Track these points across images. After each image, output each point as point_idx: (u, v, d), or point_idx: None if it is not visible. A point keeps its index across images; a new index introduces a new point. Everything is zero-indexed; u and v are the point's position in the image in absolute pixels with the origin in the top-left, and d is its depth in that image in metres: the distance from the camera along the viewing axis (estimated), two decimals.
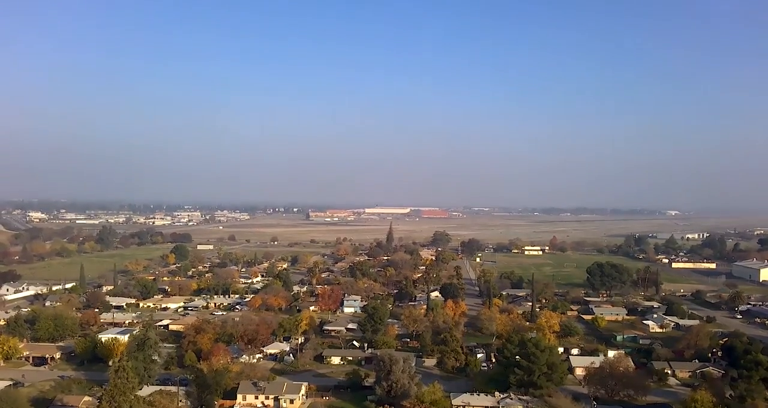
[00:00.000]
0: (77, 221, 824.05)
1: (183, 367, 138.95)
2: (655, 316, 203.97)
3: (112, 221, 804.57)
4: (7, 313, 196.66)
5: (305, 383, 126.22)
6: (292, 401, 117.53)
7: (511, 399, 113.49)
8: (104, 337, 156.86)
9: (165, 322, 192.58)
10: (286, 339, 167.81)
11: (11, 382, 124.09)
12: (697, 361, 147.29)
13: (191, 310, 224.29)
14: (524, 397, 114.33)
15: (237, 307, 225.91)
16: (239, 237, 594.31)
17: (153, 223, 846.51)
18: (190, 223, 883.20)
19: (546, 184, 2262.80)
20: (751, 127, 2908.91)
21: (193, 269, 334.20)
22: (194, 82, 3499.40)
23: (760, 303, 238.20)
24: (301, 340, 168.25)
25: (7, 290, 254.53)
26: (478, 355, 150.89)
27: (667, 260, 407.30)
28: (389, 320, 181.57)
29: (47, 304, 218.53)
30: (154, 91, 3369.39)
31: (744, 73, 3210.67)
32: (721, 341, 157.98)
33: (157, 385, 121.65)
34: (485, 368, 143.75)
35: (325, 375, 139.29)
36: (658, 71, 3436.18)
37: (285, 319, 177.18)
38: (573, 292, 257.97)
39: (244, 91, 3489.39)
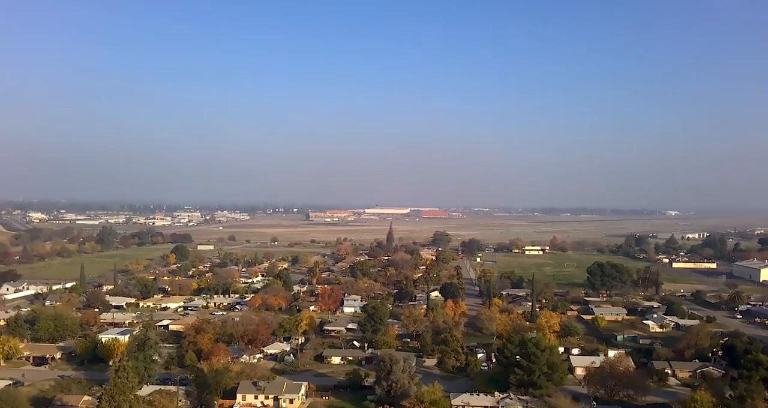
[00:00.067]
0: (77, 221, 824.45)
1: (183, 367, 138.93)
2: (655, 316, 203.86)
3: (112, 222, 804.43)
4: (7, 312, 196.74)
5: (305, 383, 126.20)
6: (291, 401, 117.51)
7: (511, 399, 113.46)
8: (104, 337, 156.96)
9: (165, 322, 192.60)
10: (287, 339, 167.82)
11: (11, 382, 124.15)
12: (697, 361, 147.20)
13: (191, 309, 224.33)
14: (524, 397, 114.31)
15: (237, 306, 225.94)
16: (239, 237, 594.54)
17: (153, 223, 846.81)
18: (190, 224, 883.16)
19: (546, 185, 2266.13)
20: (751, 127, 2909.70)
21: (193, 269, 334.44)
22: (194, 82, 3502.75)
23: (761, 303, 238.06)
24: (301, 340, 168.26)
25: (8, 290, 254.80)
26: (479, 355, 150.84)
27: (667, 260, 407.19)
28: (389, 320, 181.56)
29: (47, 303, 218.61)
30: (154, 91, 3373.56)
31: (744, 72, 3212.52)
32: (721, 341, 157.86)
33: (157, 384, 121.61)
34: (485, 368, 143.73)
35: (325, 375, 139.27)
36: (658, 71, 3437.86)
37: (285, 319, 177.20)
38: (573, 292, 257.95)
39: (244, 91, 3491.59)
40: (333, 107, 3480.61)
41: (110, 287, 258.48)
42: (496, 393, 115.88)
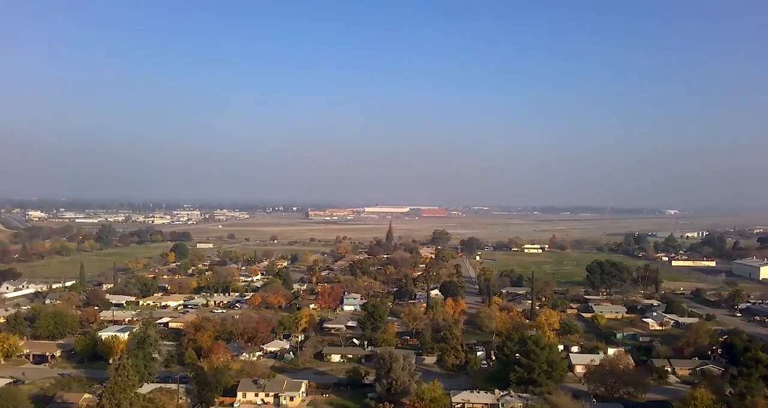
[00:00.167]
0: (77, 220, 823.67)
1: (183, 365, 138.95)
2: (654, 314, 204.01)
3: (112, 220, 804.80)
4: (7, 311, 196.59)
5: (305, 381, 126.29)
6: (292, 399, 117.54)
7: (511, 396, 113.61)
8: (104, 335, 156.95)
9: (165, 319, 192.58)
10: (286, 337, 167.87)
11: (11, 380, 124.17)
12: (696, 358, 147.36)
13: (191, 308, 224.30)
14: (524, 395, 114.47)
15: (237, 305, 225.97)
16: (239, 235, 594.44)
17: (152, 221, 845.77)
18: (190, 222, 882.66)
19: (545, 183, 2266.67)
20: (750, 126, 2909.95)
21: (193, 267, 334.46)
22: (194, 81, 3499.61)
23: (760, 301, 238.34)
24: (301, 337, 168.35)
25: (7, 288, 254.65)
26: (478, 353, 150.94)
27: (666, 258, 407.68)
28: (389, 318, 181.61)
29: (47, 302, 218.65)
30: (153, 90, 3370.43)
31: (744, 72, 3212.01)
32: (720, 339, 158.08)
33: (157, 382, 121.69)
34: (485, 366, 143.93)
35: (325, 373, 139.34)
36: (658, 71, 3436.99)
37: (285, 317, 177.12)
38: (573, 290, 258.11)
39: (243, 89, 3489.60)
40: (333, 106, 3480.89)
41: (110, 286, 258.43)
42: (496, 391, 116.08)
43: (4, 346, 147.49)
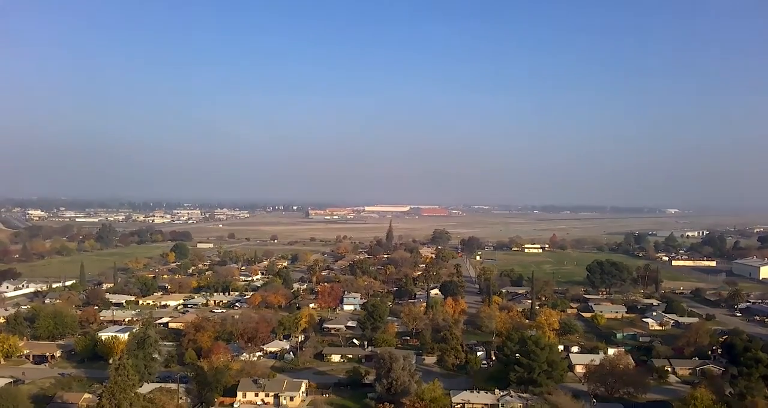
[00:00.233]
0: (77, 219, 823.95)
1: (183, 365, 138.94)
2: (654, 313, 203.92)
3: (112, 219, 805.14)
4: (6, 310, 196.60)
5: (305, 381, 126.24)
6: (292, 399, 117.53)
7: (511, 396, 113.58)
8: (104, 335, 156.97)
9: (165, 319, 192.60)
10: (286, 337, 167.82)
11: (11, 380, 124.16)
12: (696, 358, 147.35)
13: (191, 307, 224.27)
14: (524, 395, 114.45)
15: (237, 304, 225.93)
16: (239, 235, 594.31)
17: (153, 221, 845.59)
18: (190, 221, 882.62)
19: (546, 182, 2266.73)
20: (751, 125, 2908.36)
21: (193, 267, 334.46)
22: (194, 81, 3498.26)
23: (760, 301, 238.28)
24: (301, 337, 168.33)
25: (7, 288, 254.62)
26: (478, 353, 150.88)
27: (666, 258, 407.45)
28: (389, 318, 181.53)
29: (47, 301, 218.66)
30: (154, 90, 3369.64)
31: (744, 72, 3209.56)
32: (720, 339, 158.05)
33: (157, 382, 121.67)
34: (485, 366, 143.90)
35: (325, 373, 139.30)
36: (659, 70, 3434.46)
37: (285, 316, 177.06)
38: (573, 289, 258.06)
39: (243, 89, 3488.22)
40: (333, 106, 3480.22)
41: (110, 285, 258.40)
42: (496, 391, 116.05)
43: (4, 346, 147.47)
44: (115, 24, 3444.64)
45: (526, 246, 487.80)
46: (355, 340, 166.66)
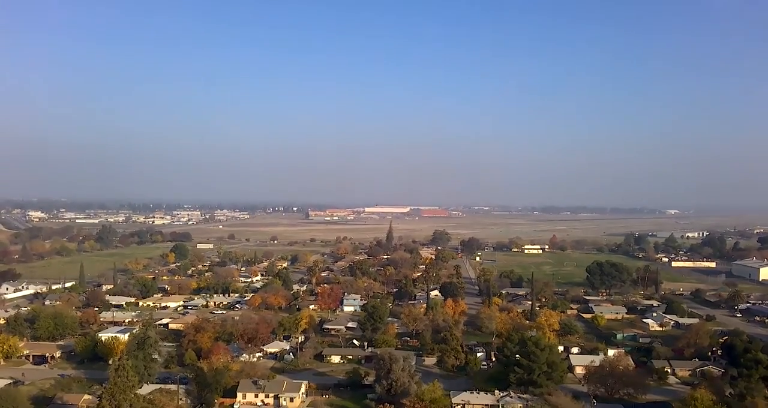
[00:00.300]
0: (77, 220, 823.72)
1: (183, 366, 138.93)
2: (654, 314, 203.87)
3: (112, 220, 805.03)
4: (6, 311, 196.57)
5: (305, 382, 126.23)
6: (292, 399, 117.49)
7: (511, 397, 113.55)
8: (104, 335, 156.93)
9: (165, 320, 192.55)
10: (286, 338, 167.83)
11: (11, 381, 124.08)
12: (696, 359, 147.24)
13: (191, 308, 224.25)
14: (524, 396, 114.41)
15: (237, 305, 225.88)
16: (239, 236, 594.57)
17: (152, 222, 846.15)
18: (190, 223, 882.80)
19: (545, 183, 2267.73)
20: (750, 126, 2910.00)
21: (192, 268, 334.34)
22: (194, 81, 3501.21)
23: (760, 302, 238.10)
24: (300, 338, 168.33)
25: (7, 289, 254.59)
26: (478, 354, 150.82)
27: (666, 259, 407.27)
28: (389, 319, 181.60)
29: (47, 302, 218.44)
30: (154, 90, 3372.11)
31: (744, 71, 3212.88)
32: (720, 340, 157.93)
33: (157, 383, 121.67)
34: (485, 367, 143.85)
35: (325, 374, 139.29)
36: (658, 70, 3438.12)
37: (285, 317, 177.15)
38: (573, 290, 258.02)
39: (244, 89, 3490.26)
40: (333, 106, 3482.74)
41: (110, 286, 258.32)
42: (496, 391, 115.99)
43: (4, 347, 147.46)
44: (114, 24, 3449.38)
45: (526, 247, 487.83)
46: (355, 341, 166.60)
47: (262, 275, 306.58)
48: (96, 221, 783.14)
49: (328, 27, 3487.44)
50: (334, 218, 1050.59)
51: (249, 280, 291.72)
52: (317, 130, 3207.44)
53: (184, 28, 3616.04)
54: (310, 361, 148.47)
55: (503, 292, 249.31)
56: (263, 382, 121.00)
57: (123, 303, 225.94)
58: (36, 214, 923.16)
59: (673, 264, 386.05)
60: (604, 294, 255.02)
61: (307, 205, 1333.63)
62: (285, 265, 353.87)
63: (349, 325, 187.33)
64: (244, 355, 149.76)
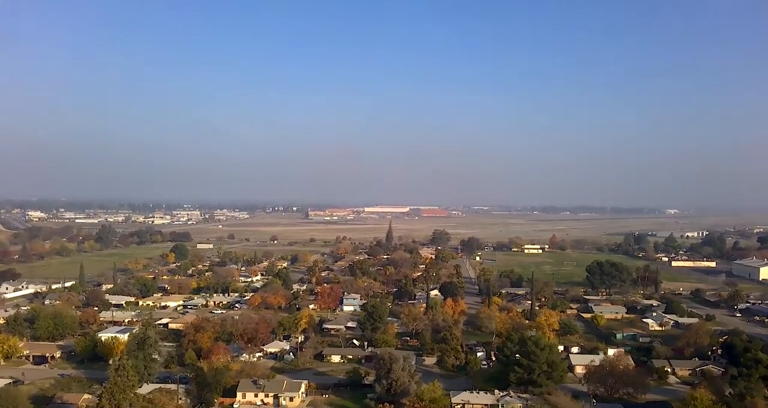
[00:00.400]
0: (76, 220, 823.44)
1: (183, 366, 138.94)
2: (654, 314, 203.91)
3: (112, 220, 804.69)
4: (6, 311, 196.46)
5: (305, 381, 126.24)
6: (291, 399, 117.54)
7: (511, 397, 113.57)
8: (104, 335, 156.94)
9: (164, 320, 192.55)
10: (286, 337, 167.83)
11: (11, 381, 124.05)
12: (696, 359, 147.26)
13: (191, 308, 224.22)
14: (524, 395, 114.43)
15: (236, 305, 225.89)
16: (239, 236, 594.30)
17: (152, 222, 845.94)
18: (190, 222, 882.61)
19: (545, 183, 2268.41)
20: (750, 126, 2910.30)
21: (192, 268, 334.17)
22: (194, 81, 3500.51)
23: (760, 301, 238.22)
24: (300, 338, 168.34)
25: (7, 289, 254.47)
26: (478, 354, 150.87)
27: (666, 259, 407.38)
28: (389, 319, 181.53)
29: (47, 302, 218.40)
30: (153, 90, 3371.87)
31: (744, 72, 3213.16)
32: (720, 339, 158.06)
33: (157, 383, 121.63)
34: (485, 366, 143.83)
35: (325, 373, 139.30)
36: (659, 70, 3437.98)
37: (285, 317, 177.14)
38: (572, 290, 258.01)
39: (244, 89, 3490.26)
40: (333, 106, 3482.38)
41: (110, 286, 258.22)
42: (496, 391, 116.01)
43: (4, 346, 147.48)
44: (114, 24, 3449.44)
45: (526, 247, 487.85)
46: (355, 341, 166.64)
47: (261, 275, 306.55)
48: (96, 221, 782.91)
49: (327, 27, 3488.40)
50: (334, 218, 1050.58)
51: (249, 279, 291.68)
52: (317, 130, 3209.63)
53: (184, 28, 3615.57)
54: (310, 360, 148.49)
55: (503, 291, 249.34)
56: (263, 382, 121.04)
57: (123, 303, 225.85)
58: (36, 214, 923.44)
59: (673, 264, 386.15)
60: (604, 293, 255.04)
61: (306, 205, 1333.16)
62: (285, 264, 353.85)
63: (349, 324, 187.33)
64: (244, 354, 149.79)
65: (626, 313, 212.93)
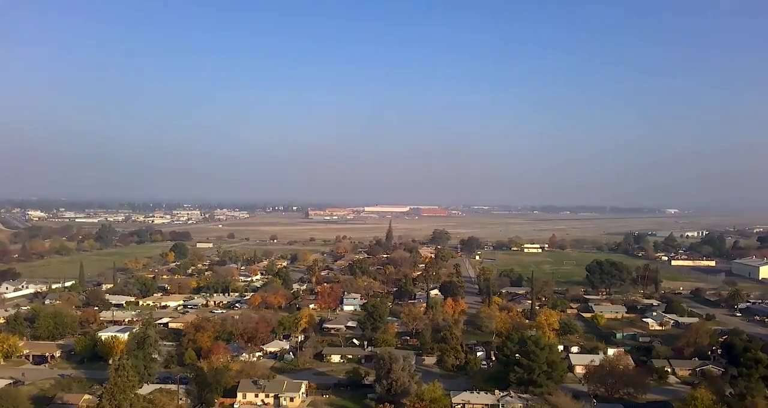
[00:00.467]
0: (76, 220, 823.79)
1: (183, 366, 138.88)
2: (654, 313, 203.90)
3: (112, 220, 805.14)
4: (6, 311, 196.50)
5: (305, 381, 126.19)
6: (292, 399, 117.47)
7: (511, 397, 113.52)
8: (104, 335, 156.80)
9: (164, 320, 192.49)
10: (286, 337, 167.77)
11: (11, 381, 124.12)
12: (696, 359, 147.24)
13: (191, 308, 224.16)
14: (524, 395, 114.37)
15: (237, 305, 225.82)
16: (239, 235, 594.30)
17: (152, 221, 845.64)
18: (190, 222, 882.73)
19: (545, 183, 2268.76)
20: (750, 126, 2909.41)
21: (192, 267, 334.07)
22: (194, 81, 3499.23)
23: (760, 301, 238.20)
24: (300, 338, 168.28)
25: (7, 288, 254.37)
26: (478, 354, 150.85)
27: (666, 258, 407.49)
28: (389, 318, 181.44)
29: (47, 302, 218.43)
30: (154, 90, 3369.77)
31: (744, 72, 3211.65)
32: (720, 339, 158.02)
33: (157, 383, 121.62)
34: (485, 366, 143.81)
35: (325, 373, 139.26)
36: (659, 70, 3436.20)
37: (285, 317, 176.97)
38: (572, 290, 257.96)
39: (243, 89, 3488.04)
40: (333, 106, 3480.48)
41: (110, 286, 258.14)
42: (496, 391, 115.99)
43: (4, 346, 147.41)
44: (115, 24, 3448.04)
45: (526, 246, 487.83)
46: (355, 341, 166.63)
47: (261, 274, 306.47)
48: (95, 220, 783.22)
49: (328, 26, 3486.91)
50: (334, 217, 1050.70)
51: (249, 279, 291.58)
52: (317, 130, 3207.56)
53: (184, 28, 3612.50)
54: (310, 360, 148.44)
55: (503, 291, 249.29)
56: (263, 382, 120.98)
57: (123, 302, 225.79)
58: (36, 214, 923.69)
59: (673, 263, 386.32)
60: (604, 293, 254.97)
61: (306, 205, 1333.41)
62: (285, 264, 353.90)
63: (349, 324, 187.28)
64: (244, 354, 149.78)
65: (626, 312, 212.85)
